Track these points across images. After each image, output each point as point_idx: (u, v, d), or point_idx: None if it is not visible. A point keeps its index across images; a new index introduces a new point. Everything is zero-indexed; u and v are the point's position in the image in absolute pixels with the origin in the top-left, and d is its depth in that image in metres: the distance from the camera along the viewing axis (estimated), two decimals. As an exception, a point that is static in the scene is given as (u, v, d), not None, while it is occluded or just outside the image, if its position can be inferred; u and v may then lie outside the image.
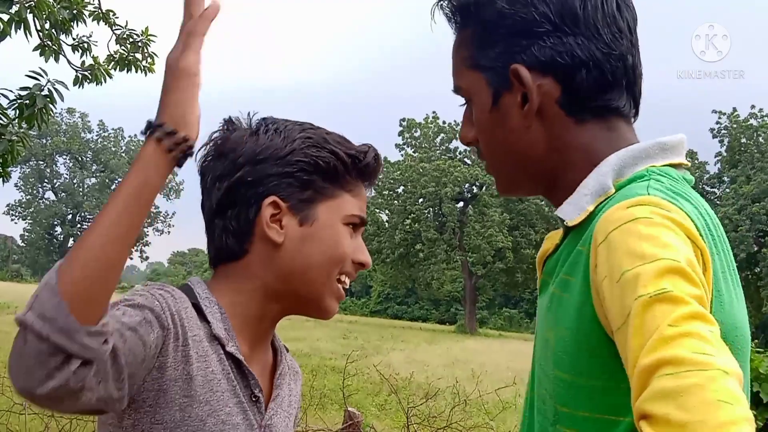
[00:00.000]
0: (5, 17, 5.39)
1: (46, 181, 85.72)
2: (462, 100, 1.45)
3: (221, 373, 1.38)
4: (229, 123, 1.53)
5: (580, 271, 1.19)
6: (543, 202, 51.45)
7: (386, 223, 55.34)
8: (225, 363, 1.39)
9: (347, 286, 1.54)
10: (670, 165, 1.30)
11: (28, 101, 6.49)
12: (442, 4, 1.42)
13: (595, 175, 1.29)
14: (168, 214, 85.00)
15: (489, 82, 1.35)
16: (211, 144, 1.51)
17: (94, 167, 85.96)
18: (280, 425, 1.51)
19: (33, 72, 6.58)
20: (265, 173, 1.45)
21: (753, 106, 52.38)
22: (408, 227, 52.43)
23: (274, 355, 1.61)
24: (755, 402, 6.13)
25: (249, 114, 1.54)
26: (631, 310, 1.01)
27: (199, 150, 1.50)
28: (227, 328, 1.42)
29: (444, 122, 55.33)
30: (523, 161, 1.37)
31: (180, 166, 1.29)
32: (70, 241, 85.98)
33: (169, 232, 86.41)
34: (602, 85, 1.32)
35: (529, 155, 1.36)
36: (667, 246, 1.06)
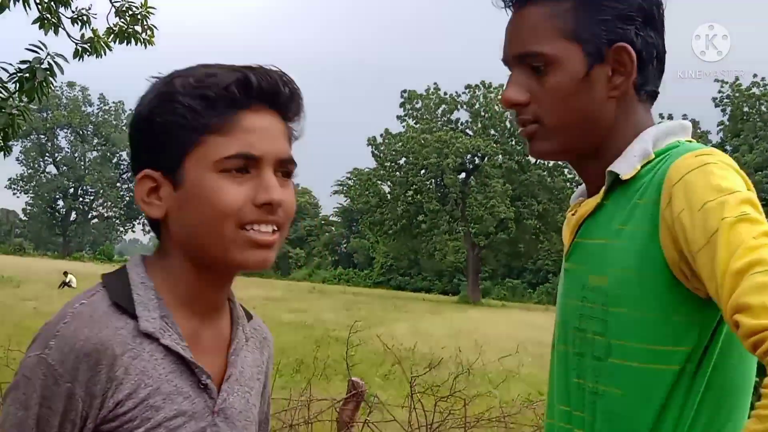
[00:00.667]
0: (3, -11, 5.36)
1: (47, 154, 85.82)
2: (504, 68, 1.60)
3: (159, 379, 1.27)
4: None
5: (641, 219, 1.43)
6: (545, 173, 51.44)
7: (388, 195, 55.32)
8: (160, 360, 1.28)
9: (267, 230, 1.33)
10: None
11: (28, 75, 6.49)
12: None
13: (641, 142, 1.52)
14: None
15: (586, 54, 1.51)
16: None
17: (95, 141, 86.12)
18: (237, 404, 1.41)
19: (33, 45, 6.56)
20: (137, 145, 1.36)
21: (755, 75, 52.15)
22: (410, 199, 52.42)
23: (232, 327, 1.49)
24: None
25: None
26: (718, 229, 1.27)
27: None
28: (164, 315, 1.31)
29: (445, 93, 55.17)
30: (590, 128, 1.56)
31: None
32: (72, 215, 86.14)
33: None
34: (659, 73, 1.58)
35: (598, 124, 1.55)
36: (737, 184, 1.34)
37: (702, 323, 1.40)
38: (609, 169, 1.51)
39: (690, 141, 1.56)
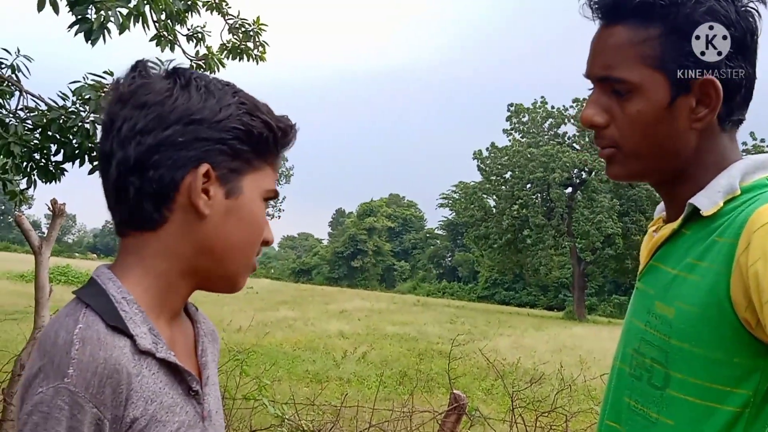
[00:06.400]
0: (124, 11, 5.60)
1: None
2: (589, 84, 1.58)
3: (160, 393, 1.27)
4: (142, 68, 1.36)
5: (716, 257, 1.40)
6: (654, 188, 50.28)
7: (494, 209, 55.12)
8: (157, 375, 1.28)
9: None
10: None
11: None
12: None
13: (727, 176, 1.49)
14: (278, 199, 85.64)
15: (671, 84, 1.47)
16: (126, 88, 1.33)
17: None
18: (214, 405, 1.43)
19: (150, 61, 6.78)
20: (198, 136, 1.30)
21: None
22: (516, 213, 52.08)
23: (191, 323, 1.51)
24: None
25: (162, 62, 1.39)
26: None
27: (103, 89, 1.35)
28: (151, 329, 1.29)
29: (552, 107, 54.63)
30: (668, 157, 1.52)
31: None
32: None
33: (279, 216, 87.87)
34: (746, 102, 1.52)
35: (677, 154, 1.51)
36: None
37: (765, 369, 1.38)
38: (690, 201, 1.49)
39: None
